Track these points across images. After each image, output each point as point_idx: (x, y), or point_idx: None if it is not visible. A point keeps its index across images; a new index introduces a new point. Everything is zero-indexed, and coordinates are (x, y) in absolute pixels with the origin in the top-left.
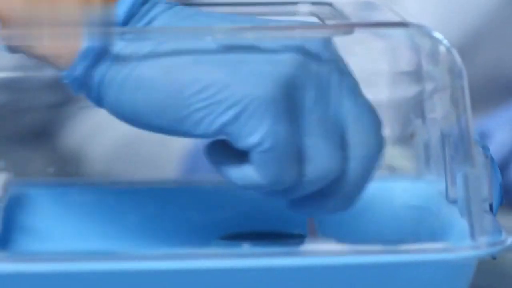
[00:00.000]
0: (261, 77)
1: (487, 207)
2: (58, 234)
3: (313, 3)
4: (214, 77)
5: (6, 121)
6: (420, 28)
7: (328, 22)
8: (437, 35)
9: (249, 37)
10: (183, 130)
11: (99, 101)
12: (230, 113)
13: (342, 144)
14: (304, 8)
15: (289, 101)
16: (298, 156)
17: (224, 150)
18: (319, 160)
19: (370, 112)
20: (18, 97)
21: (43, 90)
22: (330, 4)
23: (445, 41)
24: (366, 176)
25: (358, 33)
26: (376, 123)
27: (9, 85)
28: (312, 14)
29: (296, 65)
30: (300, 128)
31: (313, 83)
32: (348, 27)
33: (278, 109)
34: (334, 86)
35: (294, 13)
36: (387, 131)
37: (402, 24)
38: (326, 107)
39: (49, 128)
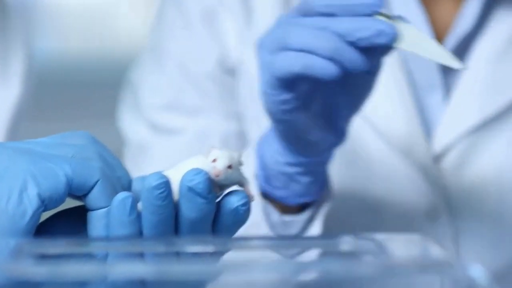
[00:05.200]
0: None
1: None
2: None
3: (357, 238)
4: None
5: None
6: (464, 269)
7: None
8: (479, 274)
9: None
10: None
11: None
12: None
13: None
14: (346, 242)
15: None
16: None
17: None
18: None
19: None
20: None
21: None
22: (372, 240)
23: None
24: None
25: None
26: None
27: None
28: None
29: None
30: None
31: None
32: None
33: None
34: None
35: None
36: None
37: (448, 264)
38: None
39: None
